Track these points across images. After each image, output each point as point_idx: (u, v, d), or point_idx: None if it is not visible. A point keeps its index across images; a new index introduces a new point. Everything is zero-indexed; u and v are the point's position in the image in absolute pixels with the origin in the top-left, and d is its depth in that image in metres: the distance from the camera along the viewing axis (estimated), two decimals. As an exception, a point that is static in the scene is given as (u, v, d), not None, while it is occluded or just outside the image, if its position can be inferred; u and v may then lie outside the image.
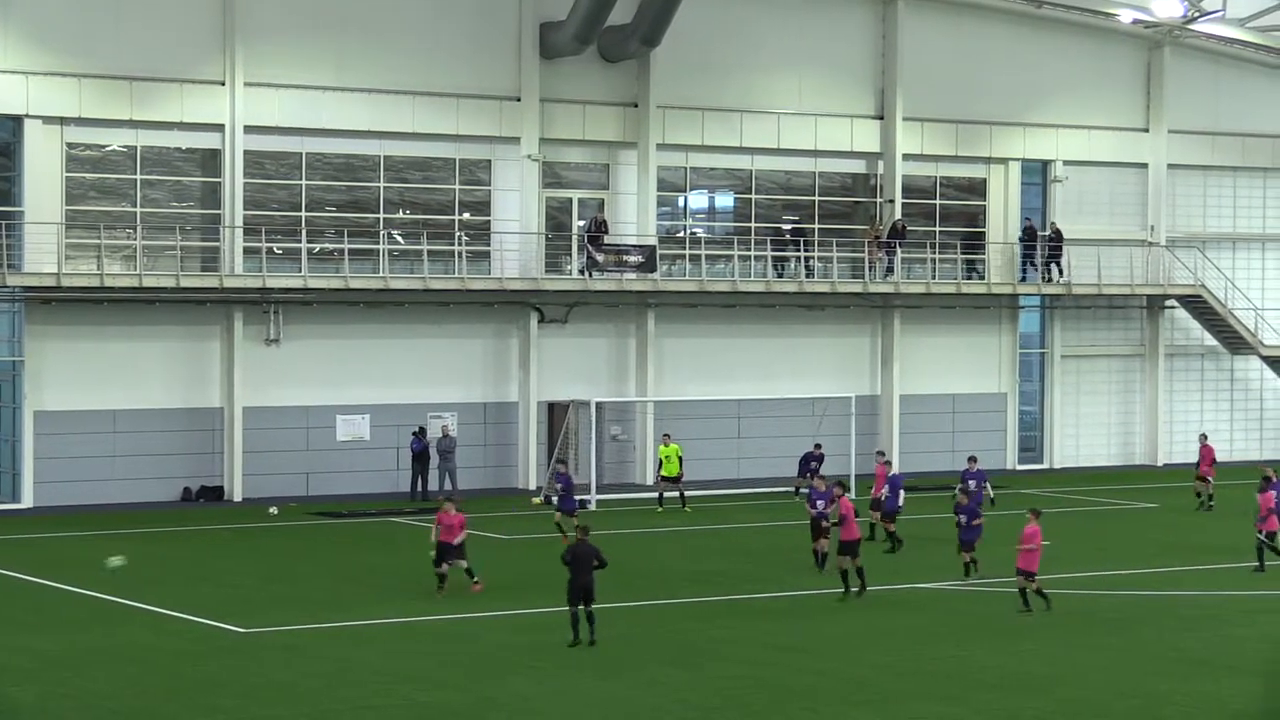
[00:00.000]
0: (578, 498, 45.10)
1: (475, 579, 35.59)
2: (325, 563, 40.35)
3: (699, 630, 32.02)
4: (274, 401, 53.14)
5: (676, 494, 50.46)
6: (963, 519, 37.98)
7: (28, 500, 50.39)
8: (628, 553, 42.06)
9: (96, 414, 51.15)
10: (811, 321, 59.97)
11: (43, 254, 49.84)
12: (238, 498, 51.97)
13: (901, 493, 43.15)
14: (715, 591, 36.66)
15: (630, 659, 29.38)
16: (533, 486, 54.86)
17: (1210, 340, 65.96)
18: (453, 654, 29.74)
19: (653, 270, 56.35)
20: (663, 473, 50.93)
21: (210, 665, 28.91)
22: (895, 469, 45.53)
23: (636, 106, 57.47)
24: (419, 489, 52.88)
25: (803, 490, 47.91)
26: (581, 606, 30.21)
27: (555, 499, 45.02)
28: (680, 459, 50.71)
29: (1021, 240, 62.10)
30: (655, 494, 51.41)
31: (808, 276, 58.82)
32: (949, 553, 38.92)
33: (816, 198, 60.57)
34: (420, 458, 53.02)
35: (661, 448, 51.42)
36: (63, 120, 50.60)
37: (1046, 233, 62.24)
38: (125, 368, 51.42)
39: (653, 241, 57.07)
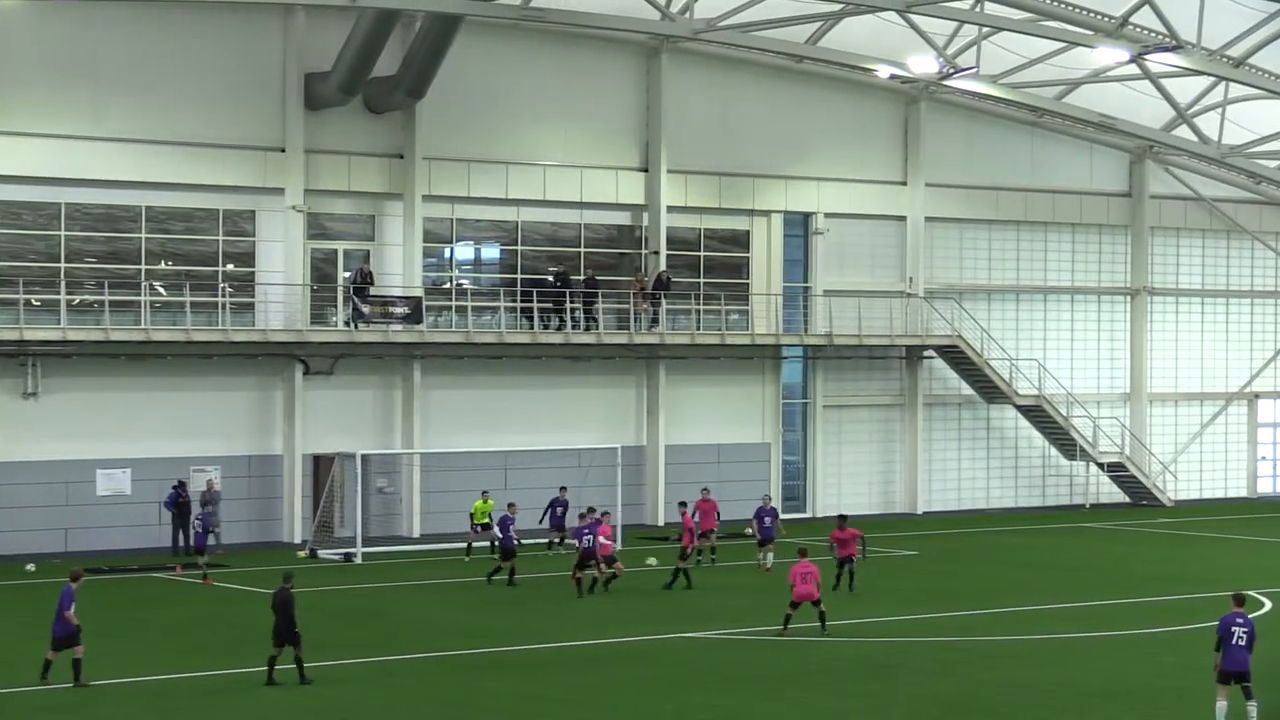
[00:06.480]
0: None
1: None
2: (89, 620, 39.45)
3: (465, 684, 31.96)
4: (31, 456, 52.17)
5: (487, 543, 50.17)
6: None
7: None
8: (395, 605, 41.89)
9: None
10: (578, 373, 60.29)
11: None
12: (-7, 554, 50.91)
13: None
14: (481, 644, 36.55)
15: (401, 712, 29.29)
16: (298, 539, 54.41)
17: (967, 390, 67.31)
18: (220, 711, 29.28)
19: (419, 321, 56.21)
20: (476, 522, 50.99)
21: None
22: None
23: (402, 158, 57.34)
24: (180, 543, 52.19)
25: (568, 541, 49.35)
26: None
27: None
28: (490, 515, 50.70)
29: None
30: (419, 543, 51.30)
31: (573, 328, 58.96)
32: (717, 599, 39.12)
33: (582, 249, 60.90)
34: (180, 512, 52.33)
35: (478, 504, 51.26)
36: None
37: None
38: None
39: (419, 293, 56.92)
